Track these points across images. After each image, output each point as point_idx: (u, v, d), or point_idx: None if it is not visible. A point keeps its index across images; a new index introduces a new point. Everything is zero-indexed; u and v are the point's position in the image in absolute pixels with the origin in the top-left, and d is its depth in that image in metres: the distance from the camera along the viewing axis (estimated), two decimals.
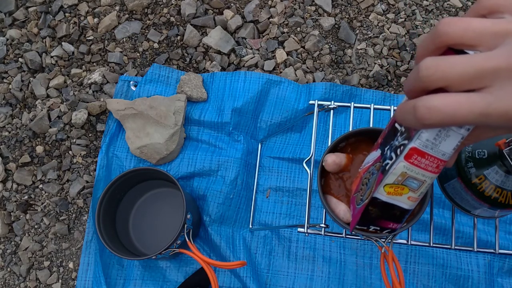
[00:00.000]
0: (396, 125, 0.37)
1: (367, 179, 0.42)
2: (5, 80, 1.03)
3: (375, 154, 0.42)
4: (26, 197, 0.95)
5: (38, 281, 0.91)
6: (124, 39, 1.04)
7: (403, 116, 0.28)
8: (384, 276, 0.55)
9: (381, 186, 0.37)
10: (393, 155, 0.36)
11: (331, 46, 1.01)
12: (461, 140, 0.32)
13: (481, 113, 0.24)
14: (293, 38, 1.01)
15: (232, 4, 1.05)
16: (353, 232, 0.48)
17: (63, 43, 1.04)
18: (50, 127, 0.97)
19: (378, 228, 0.43)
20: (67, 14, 1.06)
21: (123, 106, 0.93)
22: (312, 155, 0.62)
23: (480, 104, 0.24)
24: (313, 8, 1.04)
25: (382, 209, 0.39)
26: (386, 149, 0.38)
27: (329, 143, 0.56)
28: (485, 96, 0.24)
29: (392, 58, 0.99)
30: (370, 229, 0.43)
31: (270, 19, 1.03)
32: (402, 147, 0.34)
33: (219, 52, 1.01)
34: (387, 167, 0.36)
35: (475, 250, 0.59)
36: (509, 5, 0.27)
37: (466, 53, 0.26)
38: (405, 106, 0.28)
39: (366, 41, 1.01)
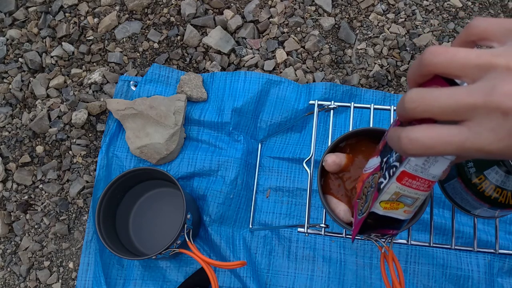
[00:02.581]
0: None
1: (366, 189, 0.44)
2: (5, 80, 1.03)
3: (376, 160, 0.43)
4: (26, 197, 0.95)
5: (38, 281, 0.91)
6: (124, 39, 1.04)
7: (391, 143, 0.29)
8: (384, 276, 0.55)
9: (377, 203, 0.38)
10: (387, 174, 0.37)
11: (331, 46, 1.01)
12: (450, 164, 0.33)
13: (458, 147, 0.25)
14: (293, 38, 1.01)
15: (232, 4, 1.05)
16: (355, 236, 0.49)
17: (63, 43, 1.04)
18: (50, 127, 0.97)
19: (379, 234, 0.44)
20: (67, 14, 1.06)
21: (123, 106, 0.93)
22: (312, 155, 0.62)
23: (458, 138, 0.25)
24: (313, 8, 1.04)
25: (380, 221, 0.41)
26: (384, 161, 0.40)
27: (329, 143, 0.56)
28: (463, 131, 0.25)
29: (392, 58, 0.99)
30: (371, 236, 0.45)
31: (270, 19, 1.03)
32: (394, 169, 0.35)
33: (219, 52, 1.01)
34: (381, 186, 0.38)
35: (475, 250, 0.59)
36: (498, 33, 0.27)
37: (455, 81, 0.27)
38: (392, 134, 0.29)
39: (366, 41, 1.01)
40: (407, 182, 0.35)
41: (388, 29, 1.02)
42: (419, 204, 0.38)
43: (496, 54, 0.25)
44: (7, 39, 1.05)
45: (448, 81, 0.27)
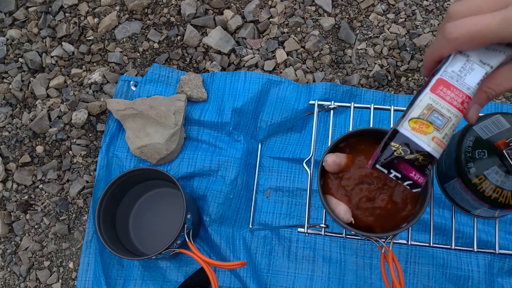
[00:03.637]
0: None
1: None
2: (5, 80, 1.03)
3: None
4: (26, 197, 0.95)
5: (38, 281, 0.91)
6: (124, 39, 1.04)
7: (433, 47, 0.33)
8: (384, 276, 0.55)
9: (405, 120, 0.36)
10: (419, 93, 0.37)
11: (331, 46, 1.01)
12: (485, 75, 0.33)
13: (502, 18, 0.29)
14: (293, 38, 1.01)
15: (232, 4, 1.05)
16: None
17: (63, 43, 1.04)
18: (50, 127, 0.97)
19: (400, 176, 0.38)
20: (67, 14, 1.06)
21: (123, 106, 0.93)
22: (312, 155, 0.62)
23: (500, 13, 0.29)
24: (313, 8, 1.04)
25: (403, 146, 0.36)
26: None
27: (329, 143, 0.56)
28: (500, 12, 0.29)
29: (392, 58, 0.99)
30: (391, 175, 0.39)
31: (270, 19, 1.03)
32: (428, 82, 0.35)
33: (219, 52, 1.01)
34: (414, 101, 0.36)
35: (475, 250, 0.59)
36: None
37: None
38: (434, 40, 0.33)
39: (366, 41, 1.01)
40: (441, 91, 0.34)
41: (388, 29, 1.02)
42: (449, 132, 0.36)
43: None
44: (7, 39, 1.05)
45: None
